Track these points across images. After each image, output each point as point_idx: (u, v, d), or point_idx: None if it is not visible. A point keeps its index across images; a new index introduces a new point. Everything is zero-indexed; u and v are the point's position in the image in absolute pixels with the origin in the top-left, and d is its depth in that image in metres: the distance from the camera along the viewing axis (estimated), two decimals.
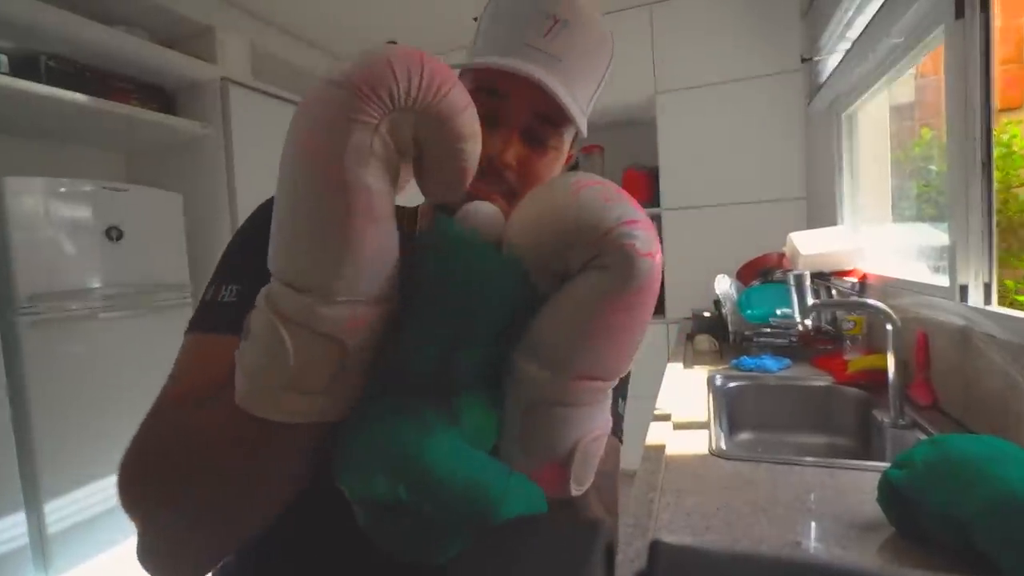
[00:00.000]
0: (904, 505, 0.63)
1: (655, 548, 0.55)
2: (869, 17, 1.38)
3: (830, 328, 1.62)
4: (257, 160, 2.19)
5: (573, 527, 0.41)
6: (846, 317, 1.53)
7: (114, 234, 1.77)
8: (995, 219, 0.98)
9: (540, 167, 0.49)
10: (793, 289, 1.22)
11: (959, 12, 1.01)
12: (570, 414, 0.35)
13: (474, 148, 0.36)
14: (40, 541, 1.54)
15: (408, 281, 0.35)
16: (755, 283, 1.89)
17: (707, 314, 2.00)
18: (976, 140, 0.98)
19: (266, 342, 0.32)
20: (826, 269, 1.68)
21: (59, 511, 1.58)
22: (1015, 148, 1.28)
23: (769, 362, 1.51)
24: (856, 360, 1.37)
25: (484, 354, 0.35)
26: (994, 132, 0.97)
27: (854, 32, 1.58)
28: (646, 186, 2.59)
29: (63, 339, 1.62)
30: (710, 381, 1.42)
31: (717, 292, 1.89)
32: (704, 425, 1.09)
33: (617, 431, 0.55)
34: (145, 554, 0.39)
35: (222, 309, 0.45)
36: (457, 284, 0.34)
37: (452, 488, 0.31)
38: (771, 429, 1.39)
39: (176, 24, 2.08)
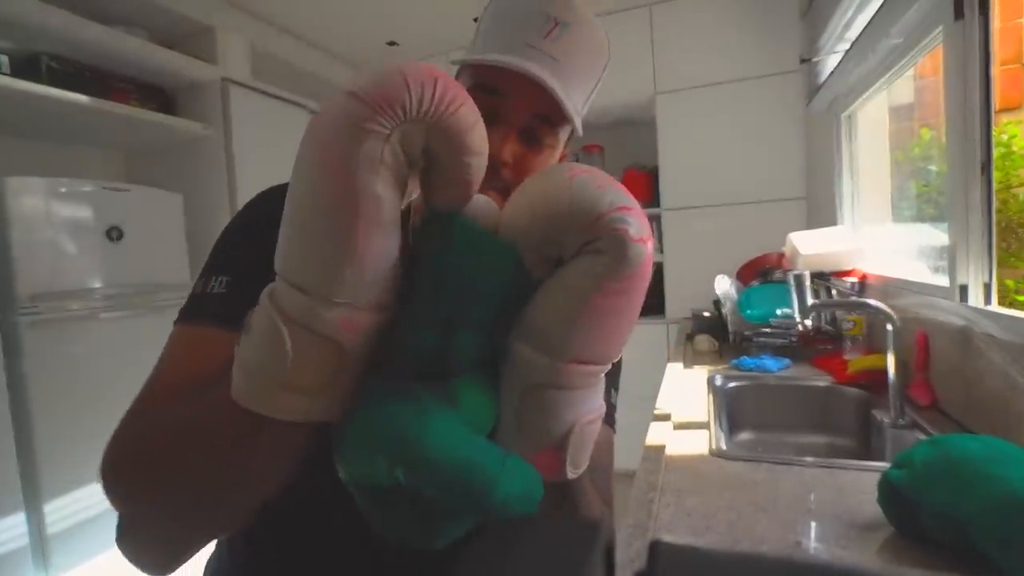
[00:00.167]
0: (904, 505, 0.63)
1: (655, 548, 0.55)
2: (868, 17, 1.38)
3: (830, 328, 1.62)
4: (257, 160, 2.19)
5: (573, 527, 0.41)
6: (846, 317, 1.53)
7: (114, 234, 1.77)
8: (995, 219, 0.98)
9: (536, 165, 0.50)
10: (793, 289, 1.22)
11: (958, 13, 1.01)
12: (565, 397, 0.36)
13: (480, 163, 0.37)
14: (40, 541, 1.54)
15: (406, 273, 0.36)
16: (755, 283, 1.89)
17: (707, 314, 2.00)
18: (976, 140, 0.98)
19: (265, 339, 0.32)
20: (826, 269, 1.68)
21: (59, 511, 1.58)
22: (1015, 148, 1.28)
23: (769, 362, 1.51)
24: (856, 360, 1.37)
25: (480, 339, 0.36)
26: (994, 132, 0.97)
27: (853, 32, 1.58)
28: (646, 186, 2.59)
29: (64, 339, 1.62)
30: (710, 381, 1.42)
31: (717, 292, 1.89)
32: (704, 425, 1.09)
33: (610, 420, 0.56)
34: (125, 539, 0.39)
35: (210, 301, 0.45)
36: (453, 269, 0.35)
37: (449, 469, 0.31)
38: (771, 429, 1.39)
39: (176, 24, 2.08)
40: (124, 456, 0.39)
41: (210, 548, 0.58)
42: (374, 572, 0.50)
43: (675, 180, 2.50)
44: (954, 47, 1.03)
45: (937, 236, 1.28)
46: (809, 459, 0.89)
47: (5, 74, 1.57)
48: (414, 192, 0.39)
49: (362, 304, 0.33)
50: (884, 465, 0.74)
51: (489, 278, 0.35)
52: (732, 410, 1.39)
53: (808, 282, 1.22)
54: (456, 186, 0.36)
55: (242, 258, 0.47)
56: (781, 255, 1.90)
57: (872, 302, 1.12)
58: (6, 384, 1.47)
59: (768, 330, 1.68)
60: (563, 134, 0.51)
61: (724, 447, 1.02)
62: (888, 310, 1.07)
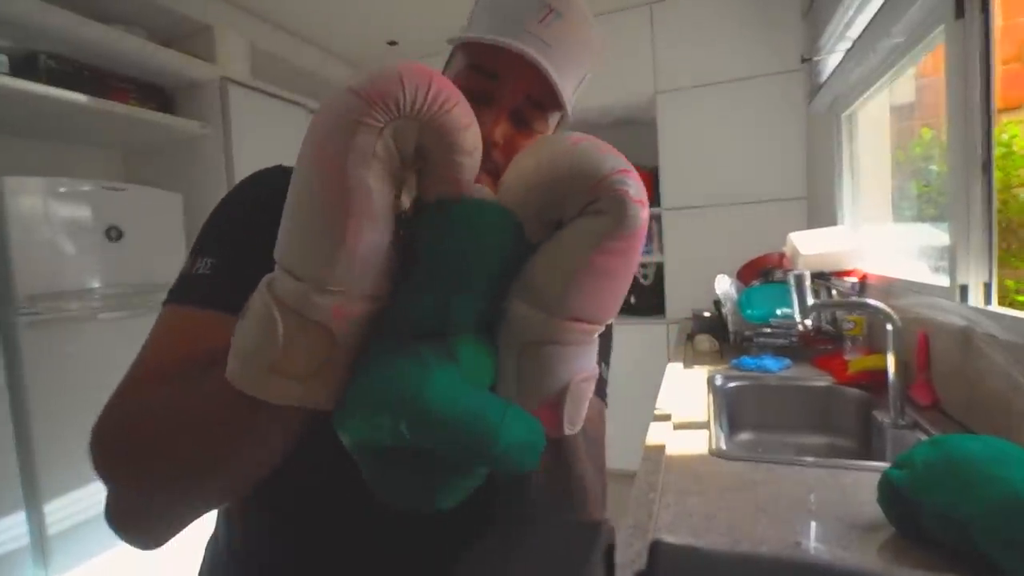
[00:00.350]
0: (905, 505, 0.63)
1: (655, 548, 0.55)
2: (869, 17, 1.37)
3: (830, 328, 1.62)
4: (256, 160, 2.16)
5: (573, 527, 0.41)
6: (846, 317, 1.53)
7: (113, 234, 1.77)
8: (995, 219, 0.98)
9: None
10: (793, 289, 1.22)
11: (959, 12, 1.01)
12: (561, 352, 0.37)
13: (472, 163, 0.38)
14: (40, 541, 1.54)
15: (401, 260, 0.37)
16: (755, 283, 1.89)
17: (707, 314, 2.00)
18: (977, 140, 0.98)
19: (260, 323, 0.33)
20: (826, 269, 1.68)
21: (59, 511, 1.58)
22: (1015, 148, 1.27)
23: (769, 362, 1.51)
24: (856, 360, 1.36)
25: (479, 304, 0.37)
26: (994, 132, 0.97)
27: (854, 32, 1.58)
28: (646, 186, 2.58)
29: (63, 339, 1.62)
30: (710, 381, 1.42)
31: (717, 292, 1.89)
32: (704, 425, 1.09)
33: (601, 394, 0.56)
34: (113, 515, 0.40)
35: (196, 282, 0.46)
36: (454, 233, 0.36)
37: (451, 419, 0.32)
38: (771, 429, 1.39)
39: (175, 23, 2.08)
40: (115, 434, 0.39)
41: (209, 531, 0.58)
42: (374, 572, 0.50)
43: (675, 180, 2.50)
44: (955, 46, 1.02)
45: (937, 236, 1.27)
46: (810, 459, 0.89)
47: (4, 73, 1.57)
48: (413, 190, 0.39)
49: (355, 293, 0.34)
50: (885, 465, 0.74)
51: (489, 242, 0.36)
52: (732, 410, 1.39)
53: (808, 282, 1.21)
54: (447, 184, 0.37)
55: (228, 239, 0.48)
56: (781, 255, 1.90)
57: (872, 302, 1.12)
58: (5, 384, 1.47)
59: (768, 330, 1.67)
60: (552, 120, 0.52)
61: (724, 447, 1.02)
62: (888, 310, 1.07)
